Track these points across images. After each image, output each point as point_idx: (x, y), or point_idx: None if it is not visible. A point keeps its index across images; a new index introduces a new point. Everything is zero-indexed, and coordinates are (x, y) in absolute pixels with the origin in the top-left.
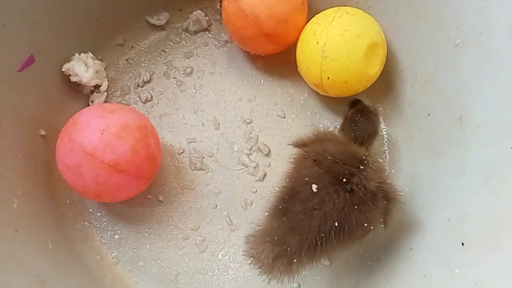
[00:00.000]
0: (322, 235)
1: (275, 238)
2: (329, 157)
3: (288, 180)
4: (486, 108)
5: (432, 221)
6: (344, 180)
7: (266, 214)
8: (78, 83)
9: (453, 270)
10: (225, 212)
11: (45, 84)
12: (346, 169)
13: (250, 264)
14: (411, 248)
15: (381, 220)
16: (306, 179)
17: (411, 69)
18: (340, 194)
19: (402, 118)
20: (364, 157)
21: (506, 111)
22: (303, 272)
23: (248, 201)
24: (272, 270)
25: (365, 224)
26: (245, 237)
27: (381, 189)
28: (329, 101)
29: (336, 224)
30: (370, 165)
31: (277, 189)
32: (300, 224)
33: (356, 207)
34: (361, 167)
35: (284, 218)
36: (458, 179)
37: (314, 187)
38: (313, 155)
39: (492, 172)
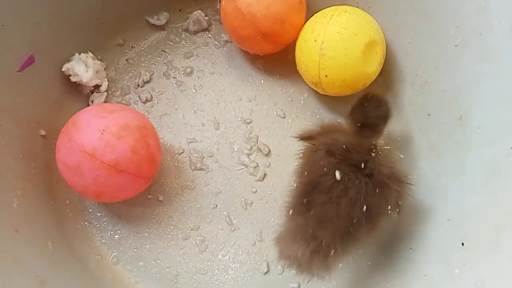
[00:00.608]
0: (353, 221)
1: (307, 234)
2: (341, 146)
3: (305, 174)
4: (486, 108)
5: (432, 221)
6: (362, 165)
7: (290, 212)
8: (78, 83)
9: (453, 270)
10: (225, 212)
11: (45, 84)
12: (360, 156)
13: (285, 265)
14: (411, 248)
15: (396, 204)
16: (325, 169)
17: (411, 69)
18: (361, 179)
19: (402, 118)
20: (372, 145)
21: (506, 111)
22: (339, 266)
23: (248, 201)
24: (310, 267)
25: (388, 207)
26: (274, 239)
27: (394, 173)
28: (329, 101)
29: (364, 209)
30: (380, 152)
31: (294, 186)
32: (329, 215)
33: (377, 190)
34: (373, 153)
35: (311, 212)
36: (458, 179)
37: (337, 174)
38: (323, 147)
39: (492, 172)
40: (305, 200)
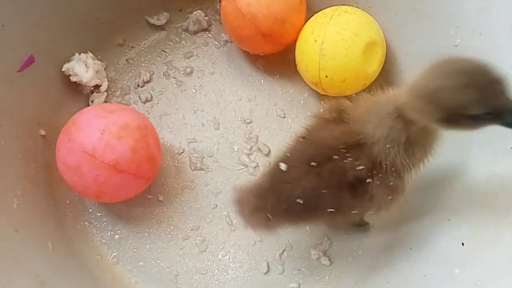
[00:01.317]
0: (294, 202)
1: (259, 193)
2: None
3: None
4: None
5: (432, 221)
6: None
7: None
8: (78, 83)
9: (453, 270)
10: (225, 212)
11: (45, 84)
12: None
13: (234, 210)
14: (411, 248)
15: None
16: (313, 164)
17: (411, 69)
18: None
19: None
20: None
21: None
22: (280, 229)
23: None
24: (250, 220)
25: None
26: (235, 186)
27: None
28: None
29: (301, 201)
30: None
31: (286, 148)
32: (281, 189)
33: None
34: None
35: (272, 179)
36: (458, 179)
37: (283, 165)
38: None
39: (492, 172)
40: (278, 170)
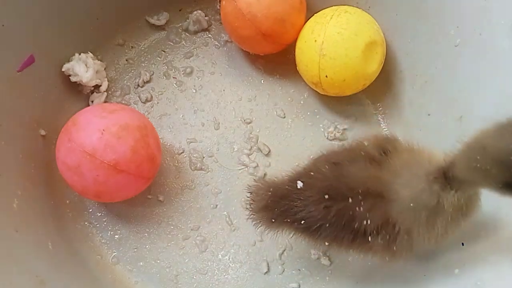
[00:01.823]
0: (297, 220)
1: (274, 194)
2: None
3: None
4: (486, 108)
5: None
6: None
7: (292, 172)
8: (78, 83)
9: (453, 270)
10: (225, 212)
11: (45, 84)
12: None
13: (248, 196)
14: None
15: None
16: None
17: (411, 69)
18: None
19: (402, 118)
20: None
21: (506, 111)
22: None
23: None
24: (255, 214)
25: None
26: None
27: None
28: (329, 101)
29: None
30: None
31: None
32: (291, 203)
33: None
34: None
35: (288, 189)
36: None
37: (299, 184)
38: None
39: None
40: (304, 179)
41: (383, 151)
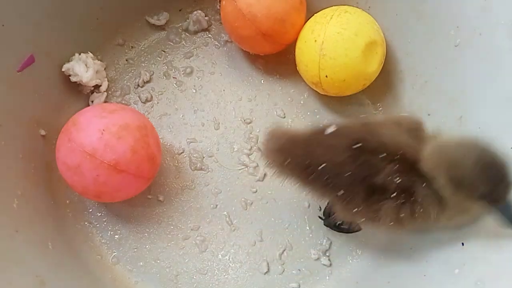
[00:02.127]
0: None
1: (293, 139)
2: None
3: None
4: (486, 108)
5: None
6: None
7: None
8: (78, 83)
9: (453, 270)
10: (225, 212)
11: (45, 84)
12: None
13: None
14: (411, 248)
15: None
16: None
17: (411, 69)
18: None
19: None
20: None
21: (506, 111)
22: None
23: (248, 201)
24: (269, 153)
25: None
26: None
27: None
28: (329, 101)
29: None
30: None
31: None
32: (313, 148)
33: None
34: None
35: (311, 136)
36: None
37: (329, 129)
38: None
39: None
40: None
41: (420, 132)
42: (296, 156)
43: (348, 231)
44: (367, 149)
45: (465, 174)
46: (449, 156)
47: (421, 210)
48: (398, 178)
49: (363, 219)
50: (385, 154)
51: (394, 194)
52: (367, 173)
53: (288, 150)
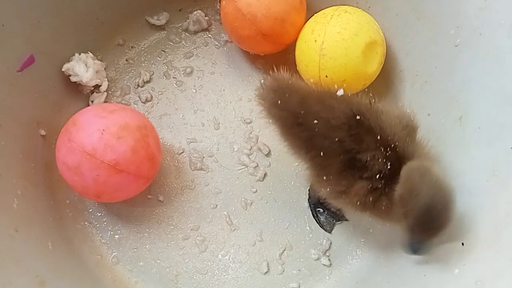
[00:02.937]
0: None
1: (286, 92)
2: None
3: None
4: (486, 108)
5: None
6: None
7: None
8: (78, 83)
9: (453, 270)
10: (225, 212)
11: (45, 84)
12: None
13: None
14: None
15: None
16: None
17: (411, 69)
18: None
19: None
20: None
21: (506, 111)
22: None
23: (248, 201)
24: (263, 93)
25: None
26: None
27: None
28: None
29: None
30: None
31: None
32: (314, 103)
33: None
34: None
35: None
36: (458, 179)
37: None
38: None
39: (492, 172)
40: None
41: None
42: (291, 103)
43: (334, 216)
44: (364, 125)
45: (411, 201)
46: (414, 180)
47: (386, 204)
48: (384, 165)
49: (329, 188)
50: (379, 137)
51: (377, 177)
52: (355, 146)
53: (285, 94)
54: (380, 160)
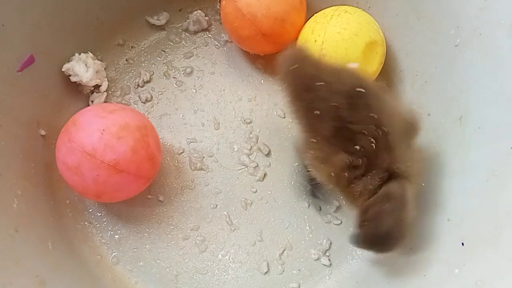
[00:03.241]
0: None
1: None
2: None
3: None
4: (486, 108)
5: (432, 221)
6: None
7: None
8: (78, 83)
9: (453, 270)
10: (225, 212)
11: (45, 84)
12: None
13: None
14: (411, 248)
15: None
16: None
17: (411, 69)
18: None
19: None
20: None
21: (506, 111)
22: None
23: (248, 201)
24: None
25: None
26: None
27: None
28: None
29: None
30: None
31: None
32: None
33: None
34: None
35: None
36: (458, 179)
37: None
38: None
39: (492, 172)
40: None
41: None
42: (305, 70)
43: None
44: (364, 99)
45: (371, 224)
46: (382, 210)
47: (360, 191)
48: (370, 144)
49: (313, 152)
50: (375, 116)
51: (360, 154)
52: (349, 115)
53: (301, 61)
54: (369, 138)
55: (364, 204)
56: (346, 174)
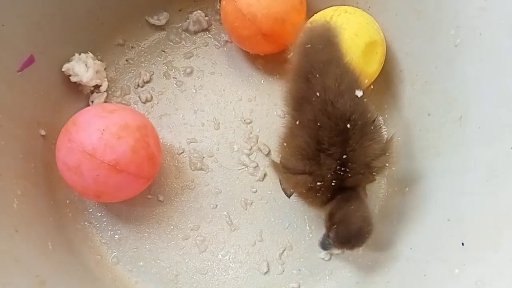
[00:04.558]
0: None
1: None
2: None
3: None
4: (486, 108)
5: (432, 221)
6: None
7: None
8: (78, 83)
9: (453, 270)
10: (225, 212)
11: (45, 84)
12: None
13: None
14: (411, 248)
15: None
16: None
17: (411, 69)
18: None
19: (402, 118)
20: None
21: (506, 111)
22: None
23: (248, 201)
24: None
25: None
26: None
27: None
28: None
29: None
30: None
31: None
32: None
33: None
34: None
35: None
36: (458, 179)
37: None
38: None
39: (492, 172)
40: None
41: None
42: (316, 56)
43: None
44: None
45: (339, 226)
46: (348, 213)
47: (321, 196)
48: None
49: (286, 144)
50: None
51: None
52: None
53: (317, 45)
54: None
55: (327, 210)
56: (311, 185)
